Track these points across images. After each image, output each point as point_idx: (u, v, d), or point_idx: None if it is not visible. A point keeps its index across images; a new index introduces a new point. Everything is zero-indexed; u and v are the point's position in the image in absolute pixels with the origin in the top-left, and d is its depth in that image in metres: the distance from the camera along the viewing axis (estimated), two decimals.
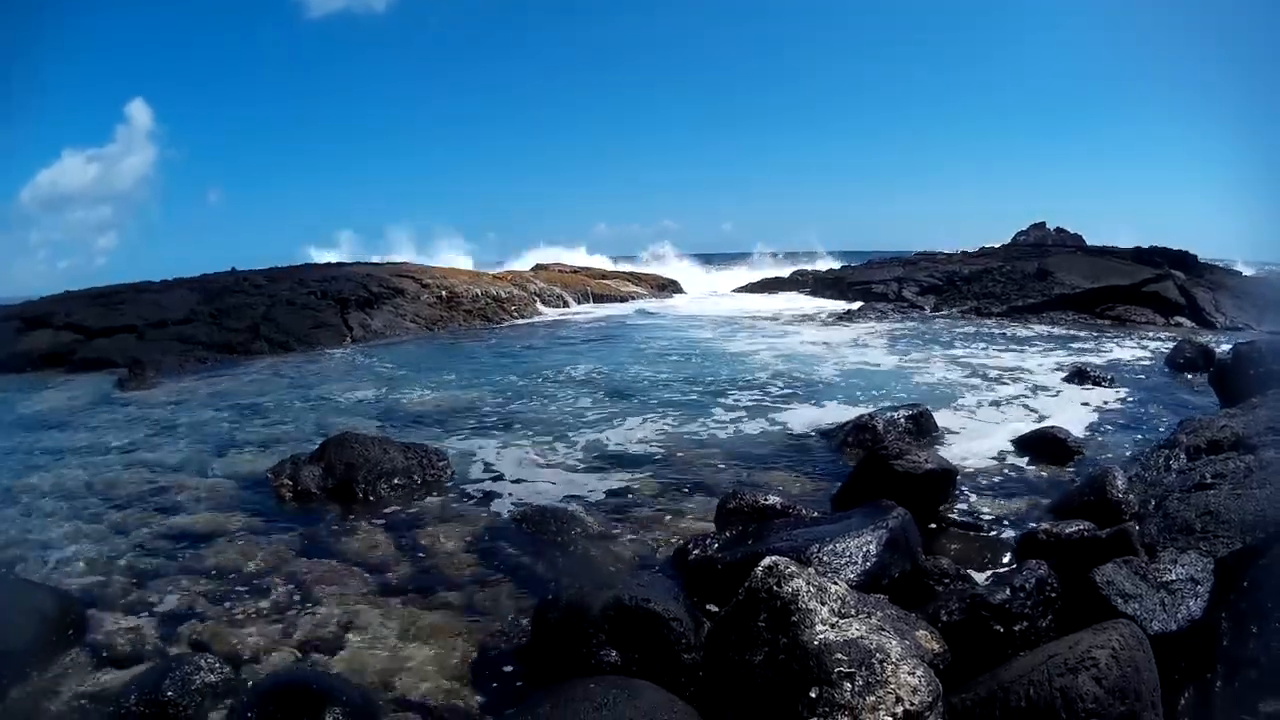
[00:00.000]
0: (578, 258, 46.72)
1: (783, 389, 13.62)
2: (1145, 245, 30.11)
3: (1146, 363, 16.40)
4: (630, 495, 8.34)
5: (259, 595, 6.37)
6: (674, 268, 47.59)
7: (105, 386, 18.15)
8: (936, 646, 4.27)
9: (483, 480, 9.11)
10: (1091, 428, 10.46)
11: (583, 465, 9.51)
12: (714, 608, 5.16)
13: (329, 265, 32.69)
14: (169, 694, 4.75)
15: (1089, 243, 37.31)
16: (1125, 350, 18.40)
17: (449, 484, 9.01)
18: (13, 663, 5.35)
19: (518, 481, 9.02)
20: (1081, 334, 21.84)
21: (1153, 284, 25.59)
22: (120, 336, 23.44)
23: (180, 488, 9.42)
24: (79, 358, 22.11)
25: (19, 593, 6.05)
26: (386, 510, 8.24)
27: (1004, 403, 12.19)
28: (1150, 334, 21.71)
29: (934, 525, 6.98)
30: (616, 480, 8.84)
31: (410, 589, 6.35)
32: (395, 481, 8.85)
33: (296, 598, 6.28)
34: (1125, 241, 33.24)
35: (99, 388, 18.16)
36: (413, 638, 5.54)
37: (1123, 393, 12.82)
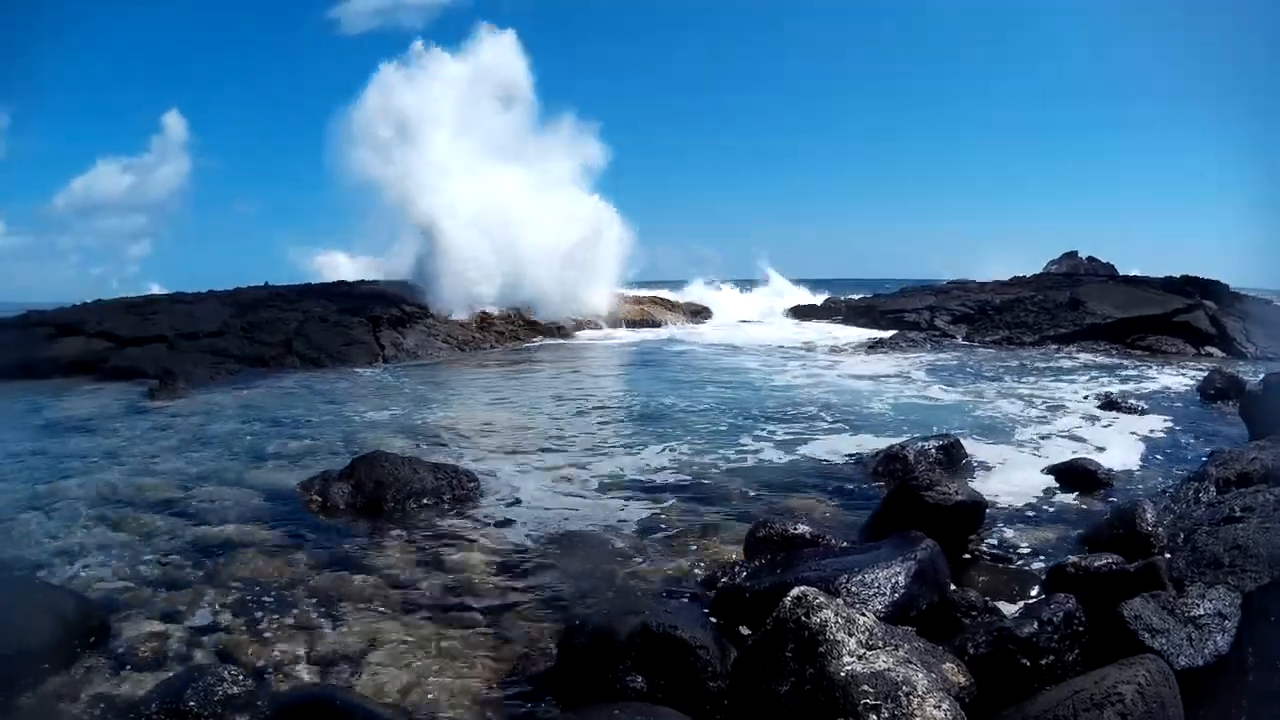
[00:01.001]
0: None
1: (819, 418, 13.53)
2: (1178, 274, 30.01)
3: (1178, 393, 16.27)
4: (660, 521, 8.30)
5: (284, 609, 6.39)
6: (702, 293, 47.35)
7: (135, 395, 18.31)
8: (963, 680, 4.25)
9: (512, 502, 9.10)
10: (1122, 458, 10.33)
11: (613, 489, 9.47)
12: (746, 630, 5.16)
13: (361, 283, 32.84)
14: (190, 704, 4.76)
15: (1121, 271, 37.19)
16: (1156, 380, 18.28)
17: (478, 505, 9.00)
18: (32, 664, 5.39)
19: (547, 504, 9.00)
20: (1113, 364, 21.68)
21: (1183, 314, 25.44)
22: (152, 346, 23.65)
23: (208, 498, 9.49)
24: (110, 366, 22.29)
25: (41, 595, 6.09)
26: (414, 529, 8.26)
27: (1036, 433, 12.08)
28: (1181, 364, 21.55)
29: (963, 556, 6.91)
30: (646, 505, 8.82)
31: (436, 608, 6.35)
32: (424, 501, 8.89)
33: (322, 613, 6.30)
34: (1159, 269, 33.15)
35: (129, 396, 18.31)
36: (437, 657, 5.54)
37: (1154, 423, 12.72)
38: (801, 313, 41.07)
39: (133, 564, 7.48)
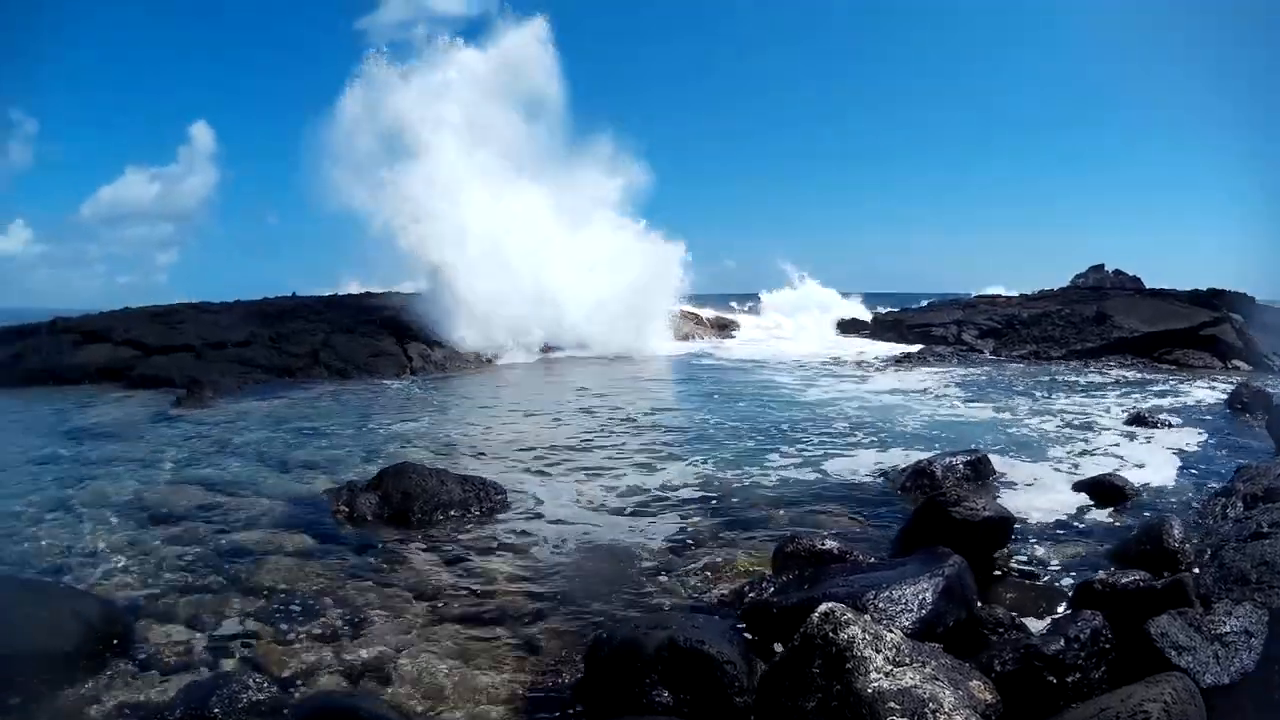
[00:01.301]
0: None
1: (847, 433, 13.48)
2: (1205, 287, 29.89)
3: (1205, 407, 16.18)
4: (687, 535, 8.28)
5: (310, 617, 6.42)
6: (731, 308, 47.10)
7: (162, 403, 18.45)
8: (989, 697, 4.26)
9: (539, 514, 9.11)
10: (1151, 474, 10.24)
11: (640, 503, 9.46)
12: (778, 647, 5.17)
13: (388, 294, 32.80)
14: (215, 710, 4.80)
15: (1148, 284, 37.01)
16: (1183, 395, 18.17)
17: (505, 517, 9.03)
18: (56, 668, 5.43)
19: (574, 517, 9.01)
20: (1140, 378, 21.57)
21: (1210, 327, 25.32)
22: (178, 355, 23.89)
23: (234, 506, 9.57)
24: (136, 374, 22.46)
25: (64, 599, 6.14)
26: (442, 540, 8.28)
27: (1064, 448, 12.01)
28: (1208, 378, 21.41)
29: (990, 572, 6.86)
30: (674, 519, 8.80)
31: (462, 619, 6.35)
32: (451, 512, 8.93)
33: (348, 622, 6.32)
34: (1187, 282, 33.04)
35: (155, 404, 18.46)
36: (463, 667, 5.54)
37: (1181, 437, 12.63)
38: (839, 327, 41.03)
39: (158, 570, 7.54)
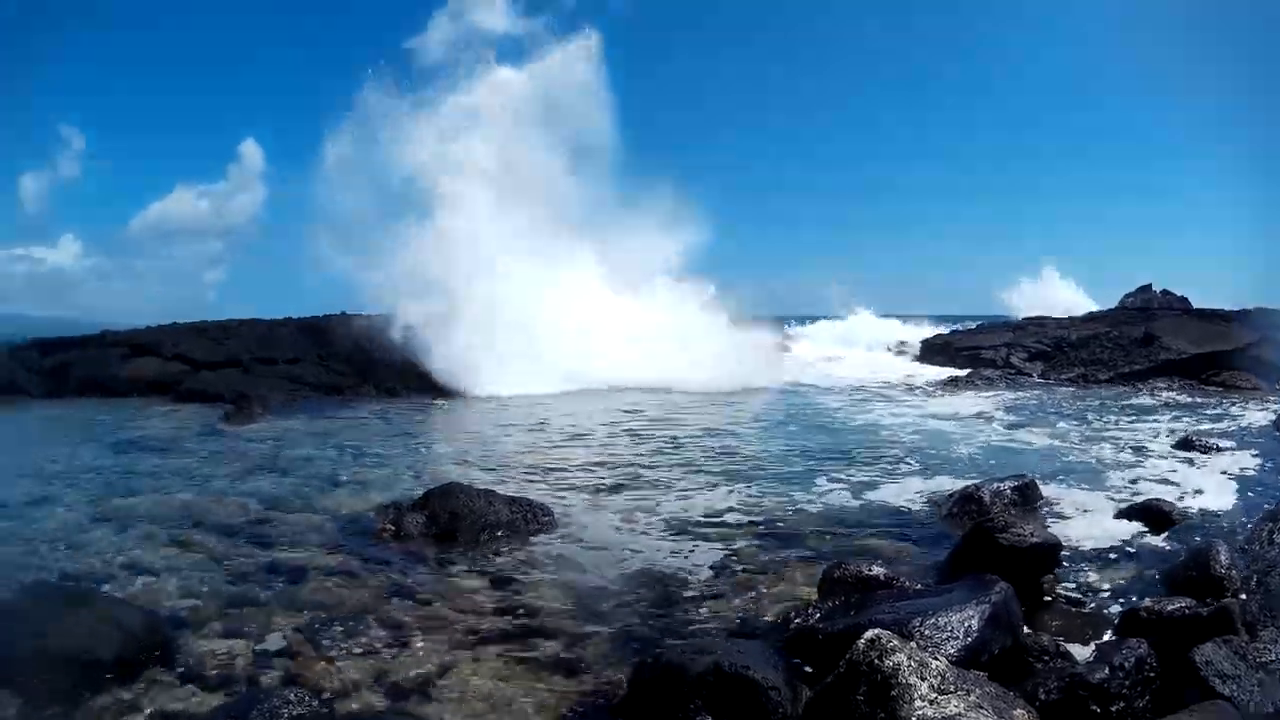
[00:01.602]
0: None
1: (895, 458, 13.37)
2: (1252, 305, 29.71)
3: (1254, 429, 15.95)
4: (733, 559, 8.24)
5: (353, 634, 6.44)
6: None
7: (210, 418, 18.74)
8: None
9: (586, 536, 9.10)
10: (1198, 498, 10.10)
11: (687, 527, 9.41)
12: (817, 670, 5.18)
13: None
14: None
15: (1196, 304, 36.82)
16: (1233, 417, 17.93)
17: (552, 538, 9.03)
18: (96, 676, 5.50)
19: (620, 539, 8.99)
20: (1188, 400, 21.33)
21: (1257, 348, 25.11)
22: (227, 371, 24.33)
23: (279, 522, 9.69)
24: (185, 388, 22.84)
25: (106, 609, 6.18)
26: (487, 561, 8.30)
27: (1113, 473, 11.85)
28: (1259, 399, 21.11)
29: (1037, 599, 6.77)
30: (720, 543, 8.76)
31: (506, 638, 6.35)
32: (498, 533, 8.95)
33: (391, 640, 6.34)
34: (1237, 300, 32.81)
35: (203, 419, 18.75)
36: (506, 687, 5.54)
37: (1229, 461, 12.42)
38: (887, 351, 40.98)
39: (201, 583, 7.62)
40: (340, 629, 6.55)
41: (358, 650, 6.19)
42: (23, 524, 9.66)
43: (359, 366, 25.05)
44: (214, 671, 5.85)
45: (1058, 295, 56.73)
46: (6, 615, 5.96)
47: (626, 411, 19.92)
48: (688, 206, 32.70)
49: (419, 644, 6.25)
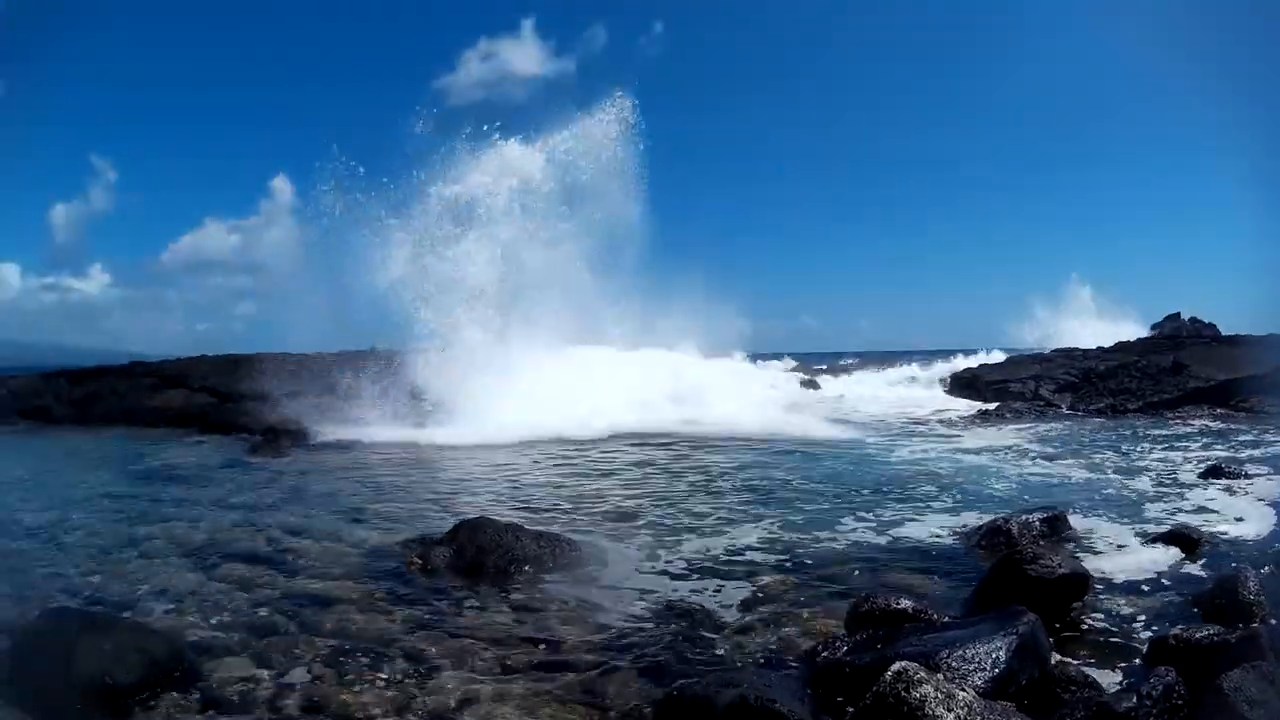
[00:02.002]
0: None
1: (926, 492, 13.29)
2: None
3: None
4: (760, 593, 8.17)
5: (377, 664, 6.44)
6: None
7: (237, 450, 18.96)
8: None
9: (611, 571, 9.09)
10: (1227, 525, 10.08)
11: (715, 561, 9.38)
12: (845, 703, 5.18)
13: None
14: None
15: (1225, 330, 36.76)
16: (1261, 443, 17.82)
17: (578, 573, 8.99)
18: (116, 701, 5.57)
19: (647, 574, 8.97)
20: (1218, 427, 21.21)
21: None
22: (255, 403, 24.28)
23: (305, 552, 9.74)
24: (213, 420, 22.95)
25: (129, 634, 6.23)
26: (514, 594, 8.29)
27: (1141, 502, 11.77)
28: None
29: (1064, 628, 6.74)
30: (747, 578, 8.70)
31: (532, 671, 6.33)
32: (525, 568, 8.93)
33: (415, 671, 6.33)
34: (1265, 325, 32.74)
35: (231, 450, 18.97)
36: (530, 719, 5.55)
37: (1259, 487, 12.33)
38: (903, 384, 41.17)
39: (225, 611, 7.67)
40: (364, 658, 6.56)
41: (381, 680, 6.20)
42: (48, 549, 9.85)
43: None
44: (236, 698, 5.89)
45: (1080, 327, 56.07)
46: (31, 639, 6.03)
47: (657, 445, 19.98)
48: (719, 302, 33.14)
49: (443, 675, 6.25)
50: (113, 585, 8.47)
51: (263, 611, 7.67)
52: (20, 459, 19.09)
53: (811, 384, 42.17)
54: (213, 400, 24.90)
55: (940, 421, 25.85)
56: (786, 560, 9.36)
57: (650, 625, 7.31)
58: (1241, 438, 18.92)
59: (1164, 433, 20.85)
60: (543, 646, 6.84)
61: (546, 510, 12.57)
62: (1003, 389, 31.76)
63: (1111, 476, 14.26)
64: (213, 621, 7.39)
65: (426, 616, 7.56)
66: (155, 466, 16.50)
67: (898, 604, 6.68)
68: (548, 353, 26.02)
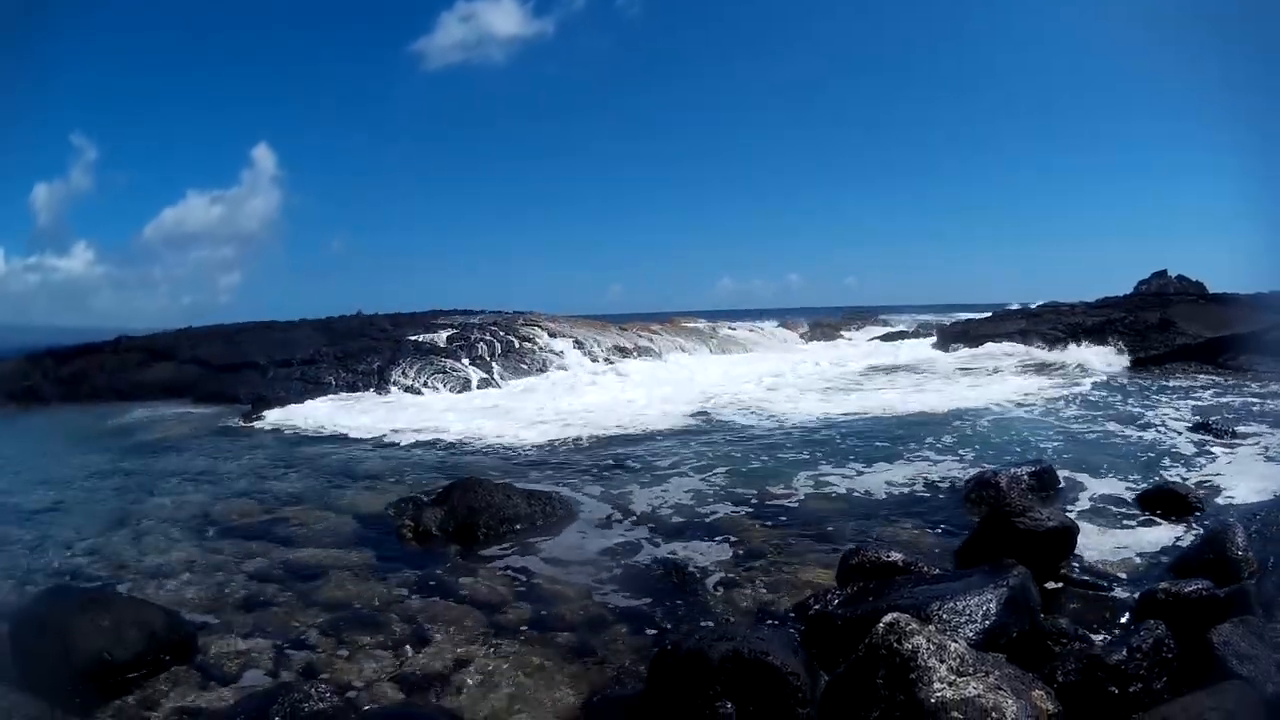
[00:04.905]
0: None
1: (913, 444, 13.33)
2: (1268, 290, 29.57)
3: (1271, 413, 15.77)
4: (752, 548, 8.22)
5: (373, 629, 6.48)
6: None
7: (227, 420, 18.83)
8: (1051, 707, 4.25)
9: (604, 527, 9.14)
10: (1216, 481, 10.11)
11: (707, 515, 9.43)
12: (837, 656, 5.18)
13: (455, 312, 32.67)
14: (276, 719, 4.86)
15: (1212, 289, 36.68)
16: (1248, 401, 17.75)
17: (570, 530, 9.06)
18: (119, 675, 5.60)
19: (639, 529, 9.01)
20: (1205, 384, 21.11)
21: (1274, 331, 24.99)
22: (244, 373, 24.31)
23: (298, 520, 9.74)
24: (201, 391, 22.82)
25: (128, 608, 6.23)
26: (505, 554, 8.32)
27: (1131, 457, 11.80)
28: (1274, 383, 21.15)
29: (1054, 582, 6.80)
30: (739, 532, 8.75)
31: (526, 630, 6.39)
32: (516, 526, 8.97)
33: (410, 634, 6.38)
34: (1252, 285, 32.64)
35: (220, 421, 18.91)
36: (526, 679, 5.57)
37: (1246, 445, 12.34)
38: (894, 338, 41.19)
39: (221, 582, 7.70)
40: (360, 624, 6.59)
41: (378, 644, 6.24)
42: (43, 527, 9.78)
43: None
44: (235, 668, 5.93)
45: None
46: (29, 617, 6.00)
47: (655, 393, 20.15)
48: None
49: (439, 638, 6.30)
50: (109, 560, 8.47)
51: (258, 581, 7.71)
52: (10, 439, 19.05)
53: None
54: (202, 371, 24.76)
55: (929, 372, 25.98)
56: (778, 512, 9.54)
57: (642, 582, 7.37)
58: (1229, 396, 18.89)
59: (1152, 387, 20.87)
60: (535, 606, 6.89)
61: (537, 462, 12.81)
62: (990, 342, 31.64)
63: (1099, 430, 14.32)
64: (209, 593, 7.42)
65: (419, 580, 7.60)
66: (147, 440, 16.43)
67: (888, 556, 6.72)
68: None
